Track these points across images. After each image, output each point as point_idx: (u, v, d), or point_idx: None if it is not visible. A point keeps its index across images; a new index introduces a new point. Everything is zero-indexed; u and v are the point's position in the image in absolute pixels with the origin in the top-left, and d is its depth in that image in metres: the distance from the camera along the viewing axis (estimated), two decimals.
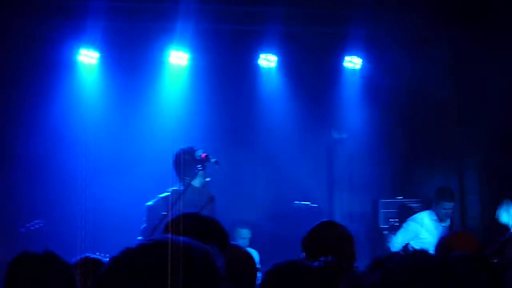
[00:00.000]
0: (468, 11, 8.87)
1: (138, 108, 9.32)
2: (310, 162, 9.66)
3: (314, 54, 9.53)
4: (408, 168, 9.75)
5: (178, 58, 9.48)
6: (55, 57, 9.11)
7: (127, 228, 7.51)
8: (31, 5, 8.73)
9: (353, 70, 9.93)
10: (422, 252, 1.52)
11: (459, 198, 9.16)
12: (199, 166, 6.86)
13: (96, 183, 8.52)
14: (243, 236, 8.26)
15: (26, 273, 3.27)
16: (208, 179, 7.24)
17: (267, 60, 9.75)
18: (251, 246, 8.55)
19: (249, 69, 9.75)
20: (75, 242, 6.68)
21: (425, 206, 8.73)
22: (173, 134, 8.83)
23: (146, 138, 9.18)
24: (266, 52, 9.70)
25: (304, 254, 4.07)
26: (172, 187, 7.17)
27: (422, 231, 8.16)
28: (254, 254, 7.97)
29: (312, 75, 9.66)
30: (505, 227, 7.51)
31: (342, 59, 9.88)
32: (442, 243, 4.50)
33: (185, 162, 7.04)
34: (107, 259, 2.01)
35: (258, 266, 7.16)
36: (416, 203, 9.22)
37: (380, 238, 9.16)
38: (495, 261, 5.17)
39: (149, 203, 7.16)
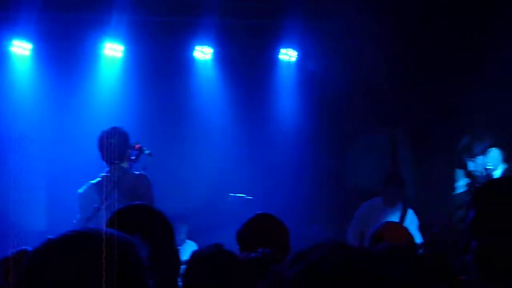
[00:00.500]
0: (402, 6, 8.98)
1: (72, 100, 9.22)
2: (245, 155, 9.68)
3: (250, 47, 9.56)
4: (345, 157, 9.80)
5: (112, 50, 9.40)
6: None
7: (60, 219, 7.41)
8: None
9: (289, 63, 9.98)
10: (345, 245, 1.53)
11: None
12: (132, 157, 6.75)
13: (29, 176, 8.40)
14: (178, 231, 8.22)
15: None
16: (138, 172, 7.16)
17: (203, 52, 9.74)
18: (189, 239, 8.57)
19: (185, 61, 9.73)
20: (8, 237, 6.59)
21: (374, 193, 8.61)
22: (107, 127, 8.76)
23: (80, 131, 9.07)
24: (201, 44, 9.68)
25: (239, 246, 4.09)
26: (101, 173, 7.02)
27: (371, 217, 8.09)
28: (193, 246, 7.98)
29: (247, 67, 9.69)
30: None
31: (277, 52, 9.93)
32: (373, 234, 4.55)
33: (112, 144, 6.80)
34: None
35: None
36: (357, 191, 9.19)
37: (317, 230, 9.23)
38: (423, 252, 5.26)
39: (80, 190, 6.99)
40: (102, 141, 6.79)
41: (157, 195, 7.38)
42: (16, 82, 9.25)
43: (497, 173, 7.59)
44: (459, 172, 7.86)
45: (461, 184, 7.86)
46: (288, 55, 9.93)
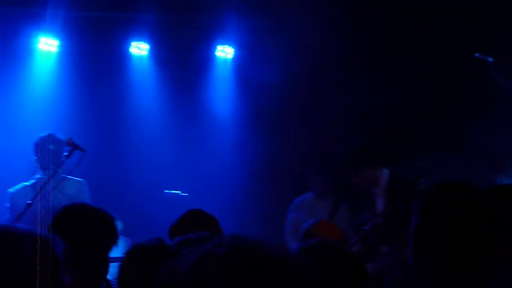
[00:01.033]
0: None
1: (4, 96, 9.10)
2: (181, 152, 9.67)
3: (186, 43, 9.55)
4: (282, 153, 9.83)
5: (47, 45, 9.30)
6: None
7: None
8: None
9: (225, 60, 9.99)
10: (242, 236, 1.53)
11: None
12: (65, 153, 6.68)
13: None
14: None
15: None
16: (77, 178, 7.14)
17: (139, 48, 9.69)
18: (124, 234, 8.52)
19: (121, 57, 9.68)
20: None
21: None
22: (41, 123, 8.68)
23: (11, 127, 8.97)
24: (137, 40, 9.64)
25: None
26: (35, 175, 7.01)
27: (304, 214, 7.97)
28: (127, 243, 7.95)
29: (184, 63, 9.68)
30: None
31: (214, 48, 9.93)
32: (304, 231, 4.60)
33: (49, 150, 6.83)
34: None
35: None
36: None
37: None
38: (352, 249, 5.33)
39: (12, 190, 6.97)
40: (39, 146, 6.81)
41: (91, 192, 7.36)
42: None
43: None
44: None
45: None
46: (224, 51, 9.94)
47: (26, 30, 9.04)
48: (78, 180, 7.32)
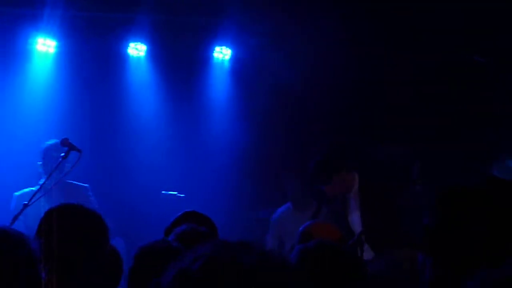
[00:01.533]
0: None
1: (3, 96, 9.09)
2: (178, 153, 9.66)
3: (184, 43, 9.54)
4: (278, 156, 9.82)
5: (45, 46, 9.28)
6: None
7: None
8: None
9: (222, 61, 9.98)
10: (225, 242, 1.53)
11: None
12: (62, 154, 6.68)
13: None
14: None
15: None
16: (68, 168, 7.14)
17: (136, 49, 9.68)
18: (120, 235, 8.51)
19: (118, 58, 9.66)
20: None
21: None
22: (38, 125, 8.69)
23: (10, 128, 8.97)
24: (135, 41, 9.62)
25: None
26: (41, 180, 7.06)
27: (285, 225, 7.91)
28: (120, 242, 7.96)
29: (181, 64, 9.67)
30: None
31: (212, 50, 9.91)
32: (302, 232, 4.58)
33: (55, 158, 6.88)
34: None
35: (121, 256, 7.17)
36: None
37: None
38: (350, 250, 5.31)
39: (18, 193, 7.04)
40: (45, 153, 6.83)
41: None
42: None
43: None
44: None
45: None
46: (222, 53, 9.93)
47: (24, 31, 9.02)
48: (82, 186, 7.45)
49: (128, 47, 9.65)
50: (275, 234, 8.18)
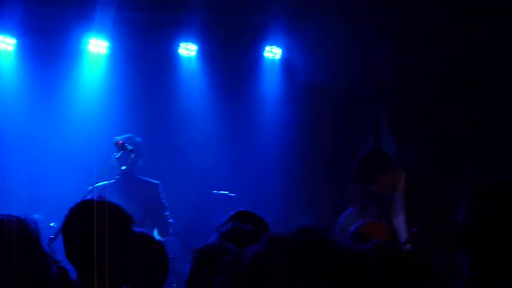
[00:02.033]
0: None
1: (56, 97, 9.20)
2: (230, 152, 9.67)
3: (235, 43, 9.54)
4: (329, 153, 9.76)
5: (97, 46, 9.37)
6: None
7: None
8: None
9: (273, 61, 9.97)
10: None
11: None
12: (115, 153, 6.78)
13: (9, 175, 8.36)
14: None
15: None
16: (123, 167, 7.23)
17: (187, 49, 9.72)
18: (172, 235, 8.55)
19: (169, 58, 9.71)
20: None
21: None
22: (90, 125, 8.77)
23: (64, 128, 9.08)
24: (186, 41, 9.66)
25: None
26: (114, 175, 7.22)
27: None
28: (175, 241, 7.99)
29: (232, 64, 9.68)
30: None
31: (262, 49, 9.91)
32: (354, 232, 4.55)
33: (127, 152, 7.04)
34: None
35: (176, 255, 7.21)
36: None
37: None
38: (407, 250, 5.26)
39: (91, 187, 7.09)
40: (117, 147, 6.92)
41: None
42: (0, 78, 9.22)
43: None
44: None
45: None
46: (272, 52, 9.92)
47: (76, 32, 9.12)
48: (153, 182, 7.59)
49: (179, 47, 9.69)
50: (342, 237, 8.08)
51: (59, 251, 3.97)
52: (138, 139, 7.54)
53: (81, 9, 8.92)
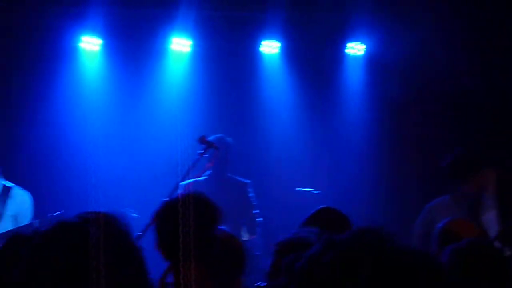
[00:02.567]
0: None
1: (141, 96, 9.33)
2: (313, 149, 9.64)
3: (317, 40, 9.50)
4: (411, 153, 9.64)
5: (180, 45, 9.45)
6: (57, 45, 9.12)
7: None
8: None
9: (356, 57, 9.86)
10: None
11: None
12: (200, 151, 6.80)
13: (102, 174, 8.51)
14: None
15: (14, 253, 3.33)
16: (213, 166, 7.30)
17: (270, 47, 9.71)
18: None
19: (252, 56, 9.72)
20: None
21: None
22: (176, 122, 8.85)
23: (149, 126, 9.20)
24: (269, 39, 9.65)
25: None
26: (206, 172, 7.29)
27: (438, 219, 7.64)
28: (257, 238, 8.00)
29: (315, 61, 9.63)
30: None
31: (344, 45, 9.82)
32: (441, 229, 4.46)
33: (217, 151, 7.14)
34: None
35: (258, 252, 7.23)
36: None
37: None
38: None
39: (183, 183, 7.17)
40: (210, 146, 6.99)
41: None
42: (86, 78, 9.39)
43: None
44: None
45: None
46: (355, 48, 9.81)
47: (160, 31, 9.22)
48: (243, 181, 7.67)
49: (262, 45, 9.68)
50: (426, 220, 7.95)
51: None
52: (229, 139, 7.62)
53: (164, 8, 9.02)
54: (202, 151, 6.76)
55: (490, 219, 6.72)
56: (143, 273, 2.06)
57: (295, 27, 9.46)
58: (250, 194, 7.80)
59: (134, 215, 7.31)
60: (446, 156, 7.01)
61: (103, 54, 9.38)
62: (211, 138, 7.12)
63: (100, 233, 1.95)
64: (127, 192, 8.69)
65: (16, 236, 2.82)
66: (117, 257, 1.99)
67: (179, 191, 6.95)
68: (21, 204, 7.15)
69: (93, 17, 8.92)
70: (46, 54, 9.11)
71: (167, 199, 3.62)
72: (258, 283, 7.04)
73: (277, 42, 9.66)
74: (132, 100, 9.28)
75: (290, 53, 9.73)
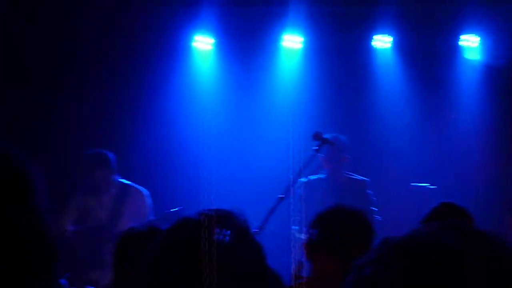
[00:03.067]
0: None
1: (254, 93, 9.39)
2: (428, 143, 9.49)
3: (430, 34, 9.35)
4: None
5: (292, 42, 9.46)
6: (170, 45, 9.27)
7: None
8: None
9: (471, 49, 9.65)
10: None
11: None
12: (314, 147, 6.78)
13: (216, 171, 8.60)
14: None
15: (131, 249, 3.40)
16: (329, 165, 7.31)
17: (382, 41, 9.61)
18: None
19: (364, 51, 9.65)
20: None
21: None
22: (288, 119, 8.86)
23: (262, 124, 9.25)
24: (381, 33, 9.56)
25: None
26: (323, 170, 7.33)
27: None
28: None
29: (428, 55, 9.48)
30: None
31: (458, 38, 9.62)
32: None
33: (333, 150, 7.23)
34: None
35: None
36: None
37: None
38: None
39: (305, 179, 7.20)
40: (324, 145, 7.01)
41: None
42: (199, 77, 9.52)
43: None
44: None
45: None
46: (470, 40, 9.59)
47: (272, 29, 9.25)
48: (360, 180, 7.63)
49: (374, 40, 9.60)
50: None
51: None
52: (343, 137, 7.57)
53: (275, 6, 9.05)
54: (317, 148, 6.74)
55: None
56: (266, 268, 2.06)
57: (408, 21, 9.33)
58: (369, 192, 7.71)
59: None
60: None
61: (215, 53, 9.49)
62: (326, 135, 7.09)
63: (223, 230, 1.96)
64: (241, 189, 8.76)
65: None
66: (241, 252, 2.00)
67: (298, 190, 6.99)
68: (139, 201, 7.33)
69: (205, 16, 9.03)
70: (160, 54, 9.27)
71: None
72: None
73: (389, 36, 9.56)
74: (245, 98, 9.35)
75: (403, 47, 9.61)
